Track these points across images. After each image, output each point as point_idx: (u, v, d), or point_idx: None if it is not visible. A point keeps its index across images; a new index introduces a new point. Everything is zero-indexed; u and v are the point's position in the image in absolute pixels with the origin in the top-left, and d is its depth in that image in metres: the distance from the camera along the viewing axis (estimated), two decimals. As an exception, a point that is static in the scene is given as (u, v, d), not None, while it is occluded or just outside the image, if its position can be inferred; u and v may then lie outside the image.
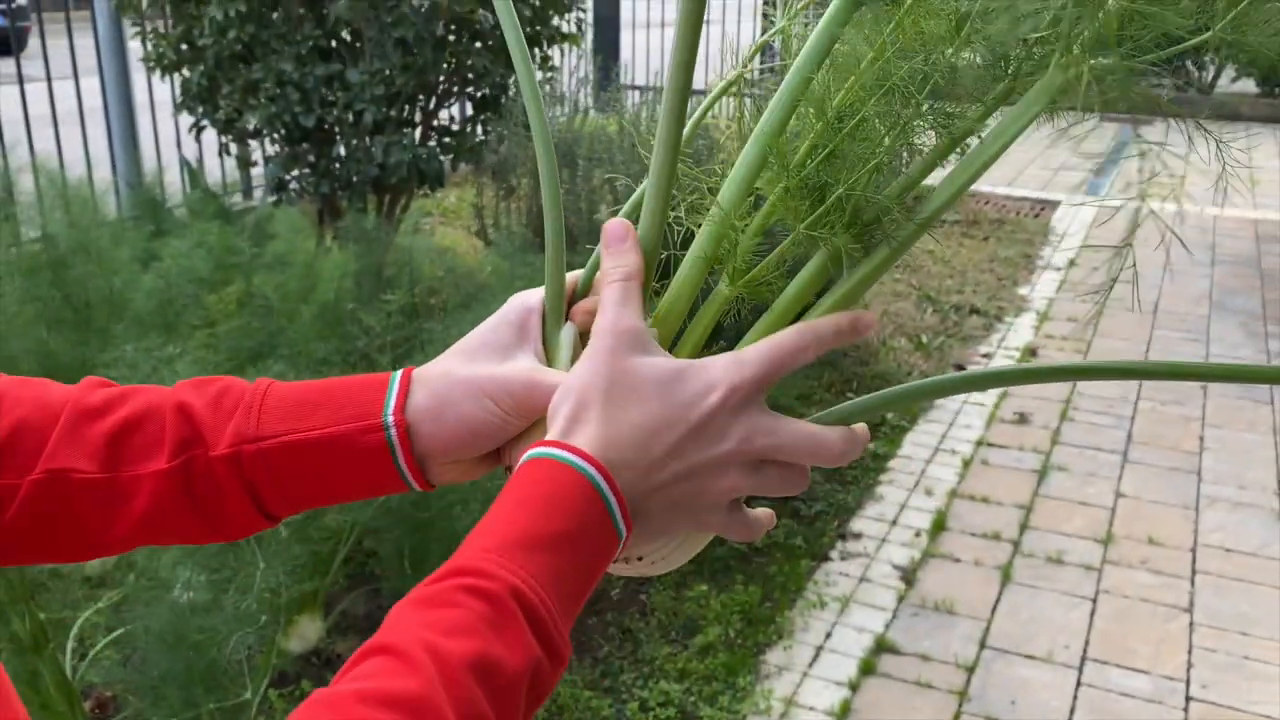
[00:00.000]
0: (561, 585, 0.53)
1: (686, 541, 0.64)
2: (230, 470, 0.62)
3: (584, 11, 4.72)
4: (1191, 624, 2.84)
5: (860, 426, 0.62)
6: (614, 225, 0.64)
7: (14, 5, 7.68)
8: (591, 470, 0.56)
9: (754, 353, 0.60)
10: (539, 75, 4.11)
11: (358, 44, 3.89)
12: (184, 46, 4.11)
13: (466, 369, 0.63)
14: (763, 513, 0.64)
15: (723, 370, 0.59)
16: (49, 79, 4.59)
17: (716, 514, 0.61)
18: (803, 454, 0.60)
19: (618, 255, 0.63)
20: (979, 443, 3.82)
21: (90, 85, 4.84)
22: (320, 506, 0.64)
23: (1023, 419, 4.01)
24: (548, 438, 0.58)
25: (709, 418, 0.58)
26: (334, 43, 3.89)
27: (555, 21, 4.19)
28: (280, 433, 0.62)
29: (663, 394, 0.58)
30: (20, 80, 4.43)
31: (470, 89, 4.17)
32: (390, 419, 0.62)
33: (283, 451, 0.62)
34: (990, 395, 4.20)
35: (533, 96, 0.68)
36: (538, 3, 4.05)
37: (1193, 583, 3.02)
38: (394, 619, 0.50)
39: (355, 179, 3.93)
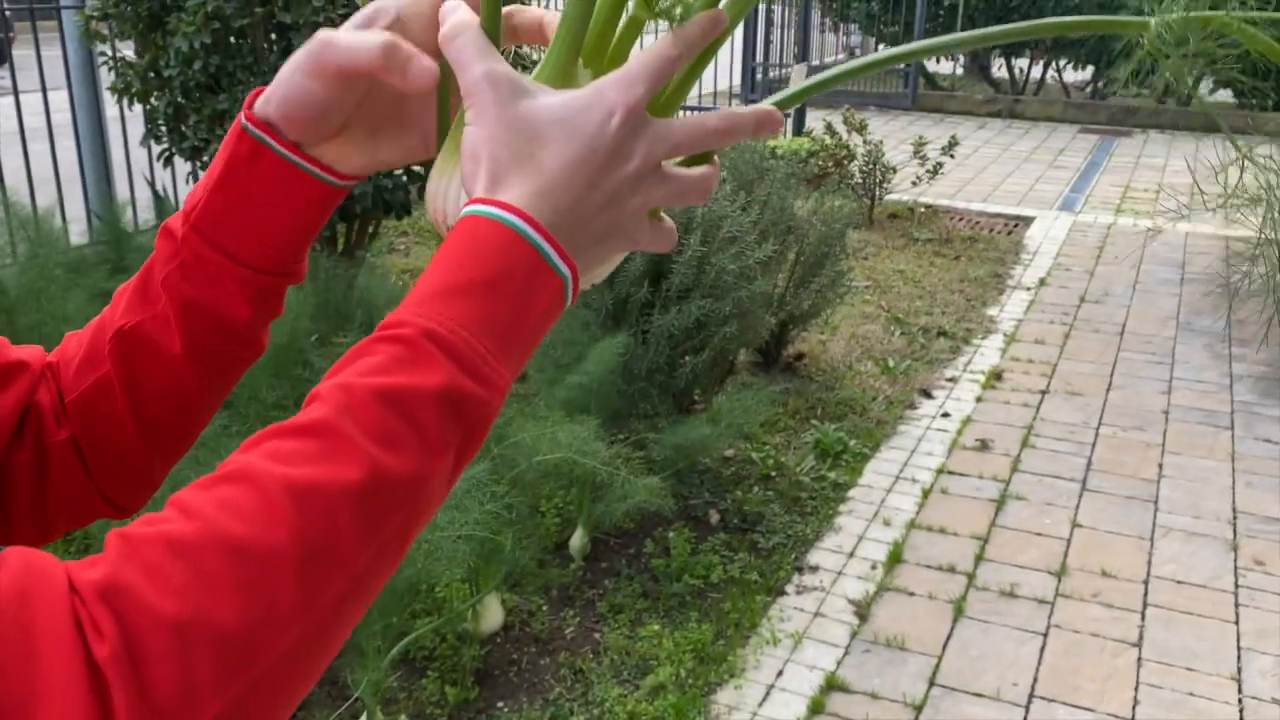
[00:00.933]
0: (491, 327, 0.55)
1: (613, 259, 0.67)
2: (197, 242, 0.68)
3: None
4: (1140, 659, 2.87)
5: (739, 110, 0.65)
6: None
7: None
8: (510, 217, 0.57)
9: (638, 68, 0.61)
10: None
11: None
12: (151, 75, 4.12)
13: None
14: (669, 223, 0.68)
15: (615, 93, 0.60)
16: (15, 92, 4.60)
17: (642, 229, 0.63)
18: (698, 144, 0.63)
19: (451, 14, 0.64)
20: (939, 470, 3.85)
21: (59, 99, 4.85)
22: (279, 235, 0.68)
23: (984, 445, 4.05)
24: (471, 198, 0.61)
25: (616, 143, 0.60)
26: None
27: None
28: (196, 202, 0.68)
29: (568, 133, 0.60)
30: (16, 92, 4.44)
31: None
32: (244, 120, 0.66)
33: (208, 208, 0.68)
34: (954, 421, 4.24)
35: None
36: None
37: (1143, 616, 3.05)
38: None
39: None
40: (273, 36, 3.86)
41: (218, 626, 0.44)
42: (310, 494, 0.48)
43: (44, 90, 4.68)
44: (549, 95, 0.61)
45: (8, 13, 6.68)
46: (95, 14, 4.13)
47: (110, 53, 4.24)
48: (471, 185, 0.60)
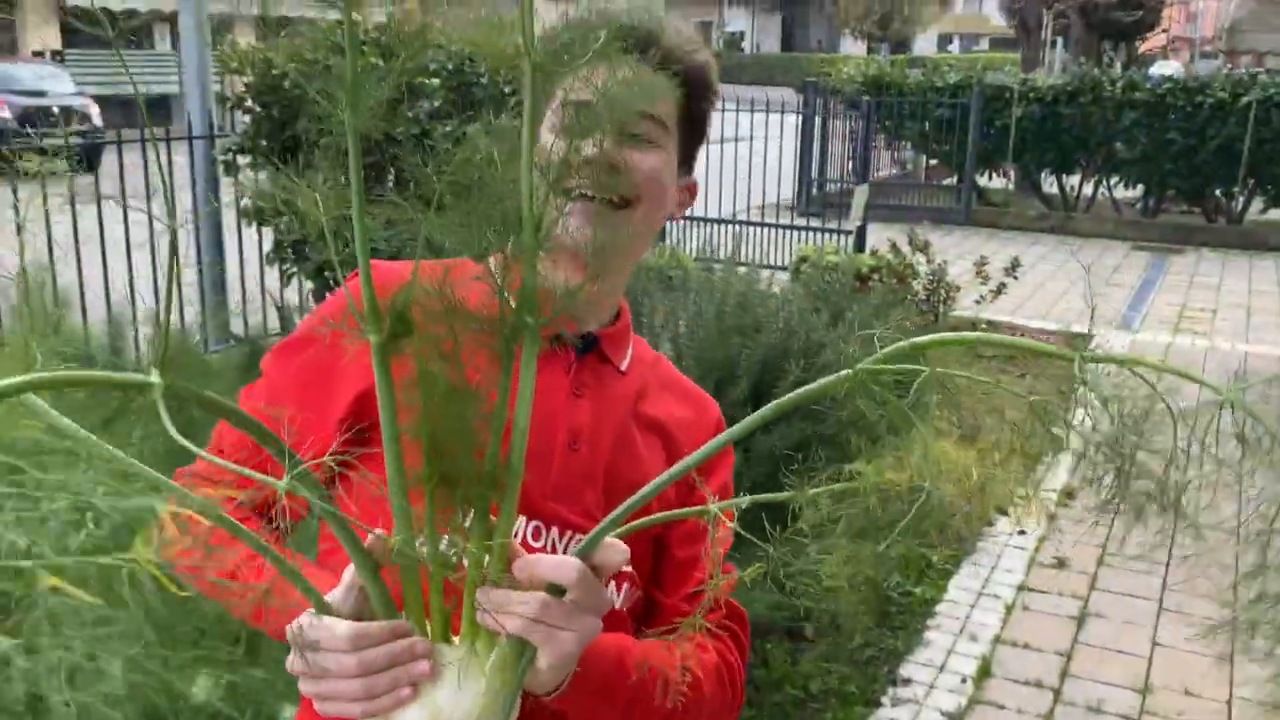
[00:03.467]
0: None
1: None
2: None
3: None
4: (1227, 777, 3.00)
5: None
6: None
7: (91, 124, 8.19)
8: None
9: None
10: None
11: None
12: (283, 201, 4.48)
13: None
14: None
15: None
16: (125, 202, 4.93)
17: None
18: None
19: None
20: (1020, 587, 4.02)
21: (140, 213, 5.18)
22: None
23: (1061, 564, 4.21)
24: None
25: None
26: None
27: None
28: None
29: None
30: (98, 199, 4.73)
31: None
32: None
33: None
34: (1030, 539, 4.40)
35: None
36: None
37: (1228, 735, 3.18)
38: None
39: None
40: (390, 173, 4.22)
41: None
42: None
43: (171, 201, 5.05)
44: None
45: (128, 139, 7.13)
46: (235, 148, 4.54)
47: (240, 179, 4.63)
48: None
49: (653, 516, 0.90)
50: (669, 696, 0.92)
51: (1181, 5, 40.08)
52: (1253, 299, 9.11)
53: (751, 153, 9.33)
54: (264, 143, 4.30)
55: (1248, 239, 11.76)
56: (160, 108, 18.91)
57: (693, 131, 1.17)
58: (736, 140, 8.43)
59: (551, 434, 1.08)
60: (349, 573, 0.86)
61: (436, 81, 4.09)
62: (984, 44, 50.16)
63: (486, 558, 0.84)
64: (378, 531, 0.83)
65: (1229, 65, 17.55)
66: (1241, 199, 12.19)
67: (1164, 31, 35.40)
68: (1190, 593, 3.99)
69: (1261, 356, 7.14)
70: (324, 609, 0.85)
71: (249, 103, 4.52)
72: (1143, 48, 28.69)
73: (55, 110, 12.43)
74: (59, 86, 15.60)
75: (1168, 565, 4.20)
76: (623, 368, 1.21)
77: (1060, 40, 23.00)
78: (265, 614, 0.93)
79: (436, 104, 4.02)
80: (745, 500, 0.87)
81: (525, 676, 0.87)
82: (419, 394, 0.80)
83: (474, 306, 0.81)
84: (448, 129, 3.99)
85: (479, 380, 0.81)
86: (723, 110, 7.54)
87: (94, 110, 14.83)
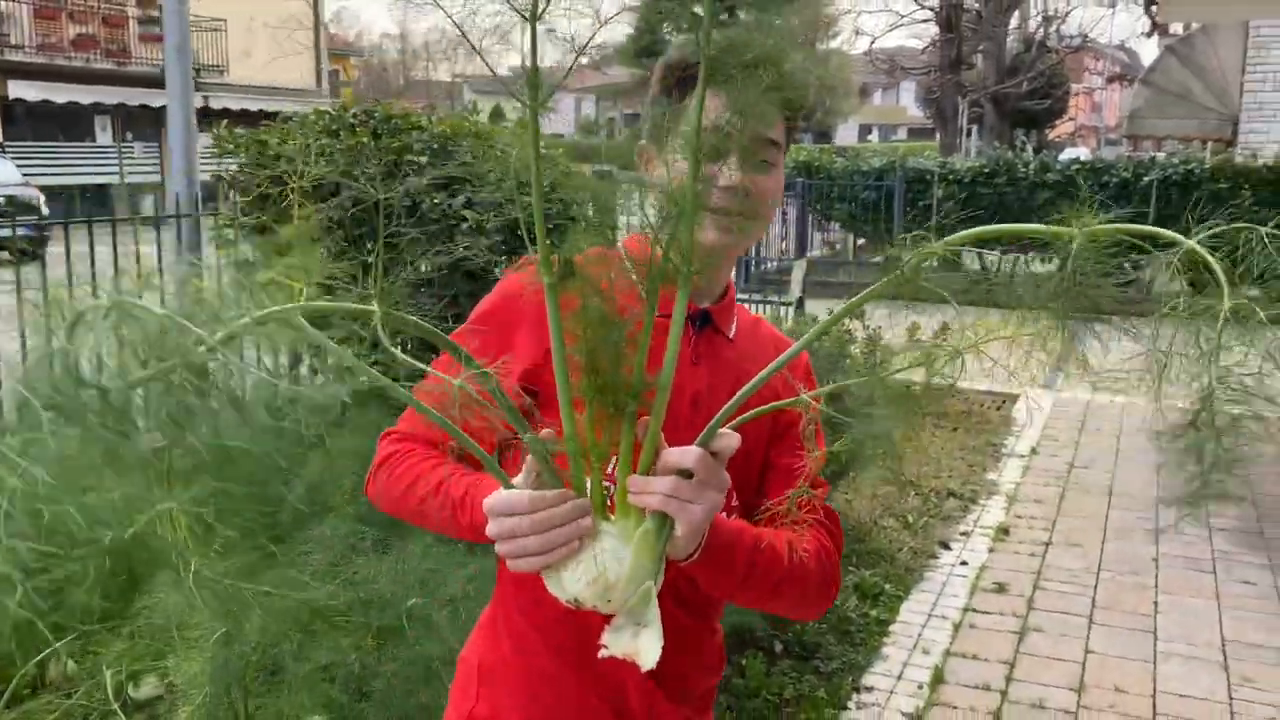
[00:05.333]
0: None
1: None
2: None
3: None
4: (1155, 757, 3.38)
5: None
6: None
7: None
8: None
9: None
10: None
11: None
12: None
13: None
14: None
15: None
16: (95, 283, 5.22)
17: None
18: None
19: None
20: (965, 609, 4.41)
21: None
22: None
23: (1001, 588, 4.61)
24: None
25: None
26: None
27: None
28: None
29: None
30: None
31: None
32: None
33: None
34: (972, 568, 4.81)
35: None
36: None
37: (1154, 723, 3.57)
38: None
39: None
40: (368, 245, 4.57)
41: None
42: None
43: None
44: None
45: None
46: (226, 223, 4.86)
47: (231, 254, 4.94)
48: None
49: (757, 410, 1.15)
50: (779, 562, 1.24)
51: (1086, 95, 42.26)
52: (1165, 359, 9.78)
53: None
54: (260, 217, 4.63)
55: (1156, 306, 12.53)
56: (99, 199, 19.03)
57: (790, 141, 1.42)
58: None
59: (678, 398, 1.23)
60: (528, 461, 1.16)
61: (424, 159, 4.48)
62: (902, 133, 52.19)
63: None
64: (549, 430, 1.15)
65: (1132, 149, 18.72)
66: (1148, 271, 13.02)
67: (1071, 119, 37.25)
68: (1117, 608, 4.41)
69: (1172, 410, 7.70)
70: (510, 488, 1.17)
71: (243, 180, 4.86)
72: (1052, 134, 30.20)
73: (2, 199, 12.59)
74: (3, 175, 15.72)
75: (1095, 587, 4.63)
76: (731, 335, 1.46)
77: (975, 128, 24.25)
78: (461, 511, 1.26)
79: (425, 180, 4.41)
80: (830, 388, 1.16)
81: (667, 545, 1.15)
82: (580, 324, 1.11)
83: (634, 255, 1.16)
84: (435, 200, 4.38)
85: (628, 314, 1.11)
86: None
87: (40, 199, 14.96)
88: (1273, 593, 4.60)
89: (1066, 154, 20.65)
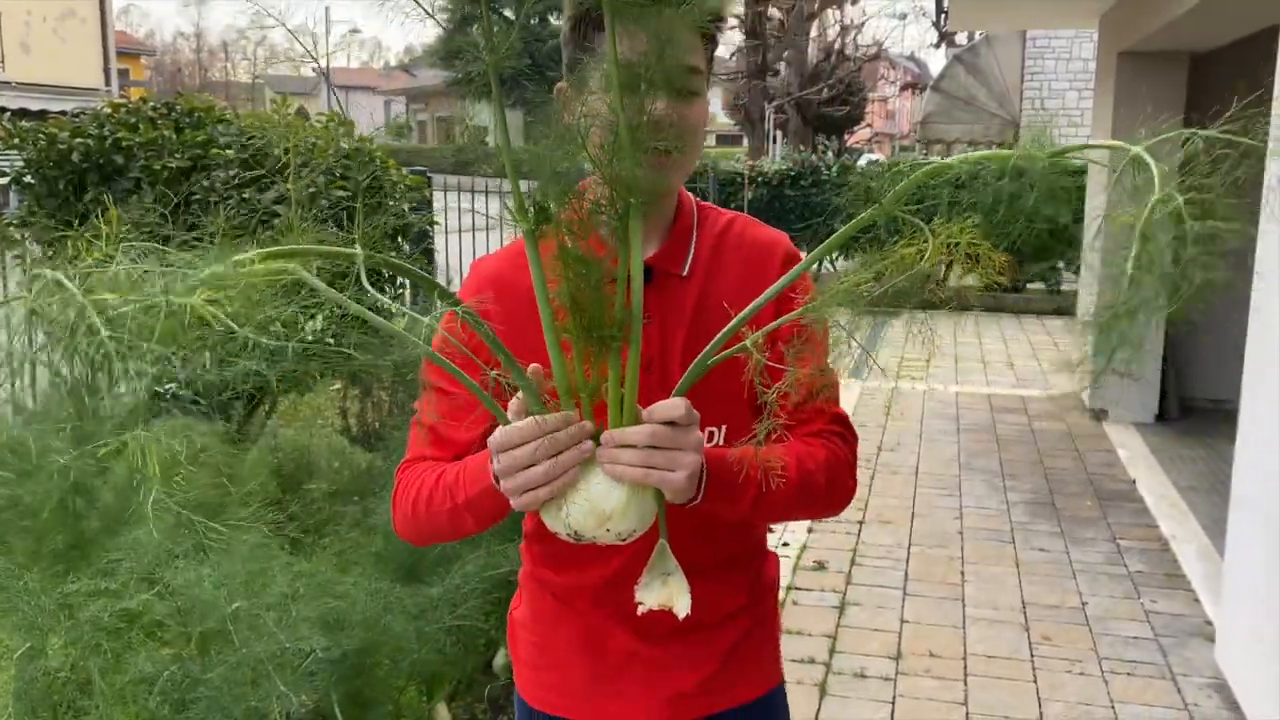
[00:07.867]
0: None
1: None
2: None
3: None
4: (967, 715, 3.58)
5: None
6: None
7: None
8: None
9: None
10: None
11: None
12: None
13: None
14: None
15: None
16: None
17: None
18: None
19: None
20: (789, 587, 4.55)
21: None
22: None
23: (821, 566, 4.79)
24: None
25: None
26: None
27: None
28: None
29: None
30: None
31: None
32: None
33: None
34: (793, 549, 4.98)
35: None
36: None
37: (965, 684, 3.78)
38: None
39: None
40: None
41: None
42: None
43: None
44: None
45: None
46: (15, 221, 4.55)
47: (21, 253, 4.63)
48: None
49: (746, 340, 1.14)
50: (788, 487, 1.23)
51: (881, 103, 44.34)
52: (959, 349, 10.37)
53: (502, 240, 9.75)
54: (52, 216, 4.35)
55: (951, 301, 13.26)
56: None
57: (711, 62, 1.36)
58: (487, 229, 8.81)
59: None
60: (516, 399, 1.14)
61: (230, 153, 4.31)
62: (710, 140, 53.45)
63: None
64: (536, 366, 1.14)
65: (925, 153, 19.75)
66: (943, 267, 13.78)
67: (868, 126, 39.02)
68: (928, 579, 4.65)
69: (969, 395, 8.19)
70: (507, 422, 1.16)
71: (28, 178, 4.57)
72: (850, 140, 31.55)
73: None
74: None
75: (907, 561, 4.87)
76: (684, 273, 1.39)
77: (780, 133, 25.09)
78: (456, 490, 1.29)
79: (231, 173, 4.24)
80: (821, 250, 1.23)
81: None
82: (559, 266, 1.11)
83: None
84: (244, 195, 4.22)
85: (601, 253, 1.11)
86: (472, 202, 7.92)
87: None
88: (1064, 558, 4.94)
89: (865, 159, 21.65)
